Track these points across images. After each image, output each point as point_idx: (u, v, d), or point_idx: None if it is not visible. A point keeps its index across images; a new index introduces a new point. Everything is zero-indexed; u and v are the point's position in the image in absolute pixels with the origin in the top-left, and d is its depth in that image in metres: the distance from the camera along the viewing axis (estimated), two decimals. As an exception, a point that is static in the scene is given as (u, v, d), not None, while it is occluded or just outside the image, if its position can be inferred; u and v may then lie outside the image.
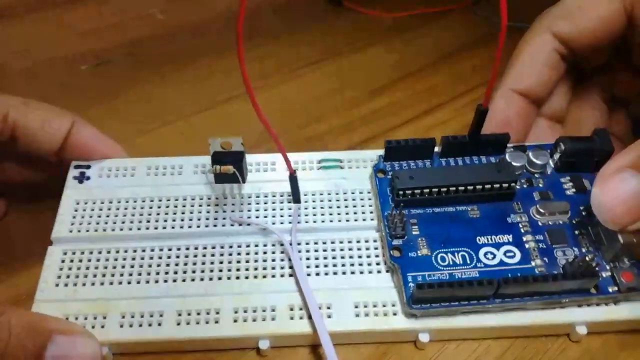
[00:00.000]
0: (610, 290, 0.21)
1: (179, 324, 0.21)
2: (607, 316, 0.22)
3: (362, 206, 0.25)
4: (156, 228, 0.24)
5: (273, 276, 0.23)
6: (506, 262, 0.22)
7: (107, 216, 0.24)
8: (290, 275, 0.23)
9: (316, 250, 0.23)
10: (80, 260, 0.23)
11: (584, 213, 0.23)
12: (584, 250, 0.23)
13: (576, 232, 0.23)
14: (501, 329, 0.22)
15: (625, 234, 0.21)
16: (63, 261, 0.23)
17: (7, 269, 0.25)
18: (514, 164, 0.25)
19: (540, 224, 0.23)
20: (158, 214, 0.24)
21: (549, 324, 0.22)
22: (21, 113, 0.24)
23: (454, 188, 0.23)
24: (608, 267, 0.22)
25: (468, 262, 0.22)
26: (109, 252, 0.23)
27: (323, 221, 0.24)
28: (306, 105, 0.34)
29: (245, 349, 0.22)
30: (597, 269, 0.21)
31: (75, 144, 0.25)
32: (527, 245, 0.23)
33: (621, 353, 0.22)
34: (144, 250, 0.23)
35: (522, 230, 0.23)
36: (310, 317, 0.21)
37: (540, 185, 0.25)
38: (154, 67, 0.37)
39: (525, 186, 0.25)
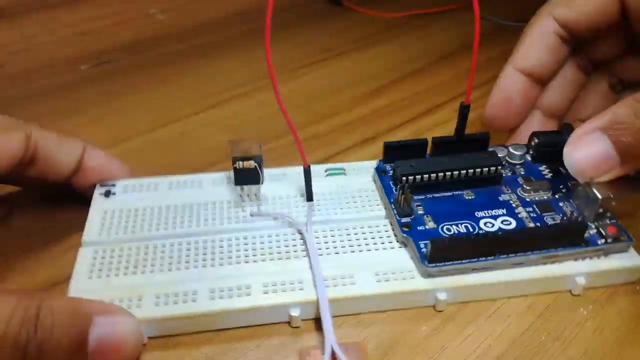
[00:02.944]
0: (599, 242, 0.24)
1: (212, 299, 0.22)
2: (600, 266, 0.24)
3: (369, 200, 0.27)
4: (182, 227, 0.26)
5: (296, 257, 0.24)
6: (504, 228, 0.25)
7: (134, 221, 0.26)
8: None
9: (332, 236, 0.25)
10: (112, 257, 0.24)
11: (564, 190, 0.27)
12: (568, 214, 0.25)
13: (560, 204, 0.26)
14: (508, 284, 0.24)
15: (602, 190, 0.24)
16: (95, 258, 0.24)
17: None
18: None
19: (528, 199, 0.26)
20: (182, 216, 0.26)
21: (551, 276, 0.24)
22: (41, 135, 0.25)
23: (449, 173, 0.26)
24: (594, 226, 0.25)
25: (471, 230, 0.25)
26: (138, 248, 0.24)
27: (336, 214, 0.26)
28: (306, 105, 0.34)
29: (276, 324, 0.23)
30: (584, 223, 0.24)
31: (87, 167, 0.27)
32: (519, 215, 0.25)
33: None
34: (172, 245, 0.25)
35: (514, 205, 0.26)
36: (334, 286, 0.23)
37: (522, 172, 0.28)
38: (154, 67, 0.37)
39: (509, 174, 0.28)
